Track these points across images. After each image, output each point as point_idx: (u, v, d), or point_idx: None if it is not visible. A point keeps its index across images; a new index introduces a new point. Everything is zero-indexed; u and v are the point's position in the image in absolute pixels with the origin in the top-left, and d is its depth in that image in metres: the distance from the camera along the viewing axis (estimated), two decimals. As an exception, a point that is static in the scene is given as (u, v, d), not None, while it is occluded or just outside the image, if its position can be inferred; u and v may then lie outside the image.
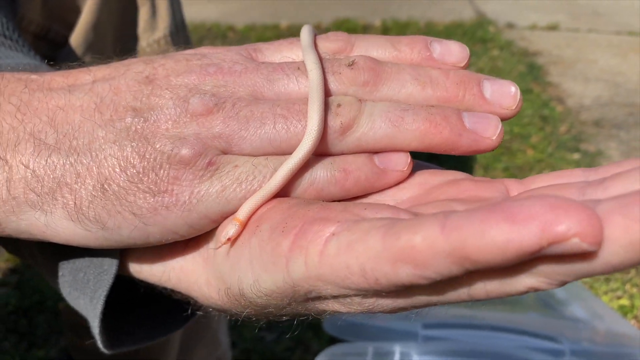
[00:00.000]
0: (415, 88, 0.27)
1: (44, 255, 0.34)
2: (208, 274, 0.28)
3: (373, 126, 0.26)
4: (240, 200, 0.26)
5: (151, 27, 0.60)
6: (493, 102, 0.27)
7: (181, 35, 0.62)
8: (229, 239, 0.25)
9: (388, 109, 0.26)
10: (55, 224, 0.26)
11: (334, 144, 0.26)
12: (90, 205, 0.26)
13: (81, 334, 0.84)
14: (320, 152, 0.27)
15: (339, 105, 0.26)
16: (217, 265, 0.27)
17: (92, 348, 0.87)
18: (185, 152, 0.25)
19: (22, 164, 0.26)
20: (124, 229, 0.26)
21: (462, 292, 0.21)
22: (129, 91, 0.27)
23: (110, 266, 0.30)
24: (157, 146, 0.26)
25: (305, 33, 0.30)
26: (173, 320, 0.37)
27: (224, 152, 0.26)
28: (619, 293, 1.24)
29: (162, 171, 0.25)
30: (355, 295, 0.22)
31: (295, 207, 0.24)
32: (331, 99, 0.27)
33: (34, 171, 0.26)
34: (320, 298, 0.23)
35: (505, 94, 0.27)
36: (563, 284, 0.19)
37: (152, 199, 0.26)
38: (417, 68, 0.28)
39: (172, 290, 0.32)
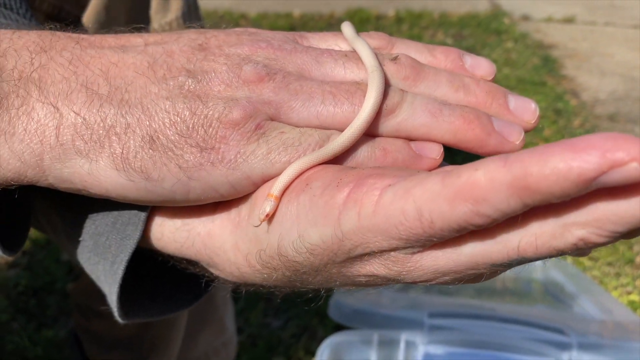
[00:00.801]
0: (449, 90, 0.29)
1: (65, 221, 0.34)
2: (237, 238, 0.28)
3: (413, 114, 0.28)
4: (284, 165, 0.27)
5: (163, 9, 0.60)
6: (516, 114, 0.30)
7: (194, 18, 0.62)
8: (267, 215, 0.25)
9: (427, 101, 0.28)
10: (98, 173, 0.27)
11: (375, 126, 0.28)
12: (137, 155, 0.26)
13: (88, 315, 0.85)
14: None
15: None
16: (252, 226, 0.27)
17: (98, 329, 0.87)
18: (236, 113, 0.26)
19: (73, 111, 0.26)
20: (167, 181, 0.27)
21: (512, 244, 0.21)
22: (183, 55, 0.28)
23: (133, 231, 0.30)
24: (209, 105, 0.27)
25: (349, 26, 0.32)
26: (184, 297, 0.37)
27: (272, 119, 0.27)
28: (629, 288, 1.23)
29: (211, 129, 0.26)
30: (403, 247, 0.22)
31: (347, 169, 0.25)
32: None
33: (84, 119, 0.26)
34: (362, 257, 0.24)
35: (526, 108, 0.30)
36: (612, 237, 0.19)
37: (199, 154, 0.26)
38: (451, 73, 0.30)
39: (189, 262, 0.32)
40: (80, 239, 0.32)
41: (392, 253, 0.23)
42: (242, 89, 0.27)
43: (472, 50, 2.61)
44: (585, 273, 1.22)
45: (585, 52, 2.69)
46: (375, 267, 0.24)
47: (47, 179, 0.27)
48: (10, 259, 1.26)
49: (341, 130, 0.28)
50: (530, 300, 1.02)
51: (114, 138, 0.26)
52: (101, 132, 0.26)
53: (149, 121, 0.26)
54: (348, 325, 0.82)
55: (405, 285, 1.04)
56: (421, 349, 0.79)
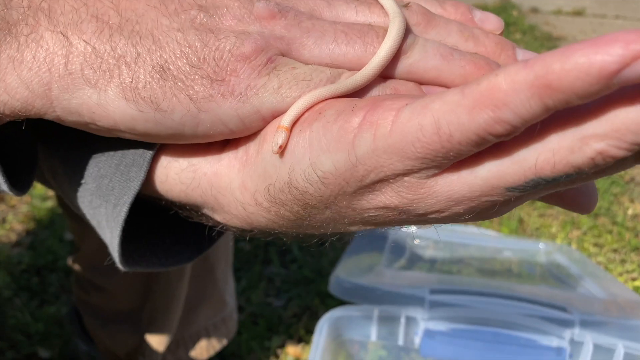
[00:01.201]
0: (459, 39, 0.29)
1: (66, 165, 0.33)
2: (245, 176, 0.28)
3: (425, 56, 0.28)
4: (294, 100, 0.26)
5: None
6: None
7: None
8: (280, 147, 0.25)
9: (439, 45, 0.28)
10: (107, 103, 0.26)
11: (387, 67, 0.28)
12: (147, 85, 0.26)
13: (87, 288, 0.85)
14: None
15: None
16: (261, 162, 0.27)
17: (98, 303, 0.87)
18: (247, 46, 0.26)
19: (83, 40, 0.26)
20: (177, 112, 0.26)
21: (529, 162, 0.20)
22: None
23: (137, 173, 0.30)
24: (221, 37, 0.26)
25: None
26: (184, 251, 0.37)
27: (283, 55, 0.27)
28: (635, 275, 1.22)
29: (222, 61, 0.26)
30: (418, 169, 0.22)
31: (359, 98, 0.25)
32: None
33: (94, 48, 0.26)
34: (374, 184, 0.23)
35: None
36: (631, 149, 0.18)
37: (209, 86, 0.26)
38: (461, 24, 0.30)
39: (192, 208, 0.31)
40: (83, 181, 0.32)
41: (406, 178, 0.23)
42: (254, 25, 0.27)
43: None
44: (590, 259, 1.21)
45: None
46: (387, 197, 0.24)
47: (54, 111, 0.27)
48: (13, 238, 1.26)
49: (351, 70, 0.27)
50: (534, 282, 1.01)
51: (123, 67, 0.26)
52: (111, 61, 0.26)
53: (159, 51, 0.26)
54: (348, 300, 0.81)
55: (408, 264, 1.03)
56: (422, 325, 0.78)
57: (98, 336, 0.86)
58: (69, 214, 0.83)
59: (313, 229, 0.28)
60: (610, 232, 1.35)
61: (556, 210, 1.41)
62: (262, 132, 0.27)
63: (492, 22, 0.31)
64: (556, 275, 1.02)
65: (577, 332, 0.74)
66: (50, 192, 1.43)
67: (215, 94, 0.26)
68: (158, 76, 0.26)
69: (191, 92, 0.26)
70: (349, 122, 0.23)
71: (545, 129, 0.20)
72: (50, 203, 1.37)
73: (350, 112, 0.23)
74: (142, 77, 0.26)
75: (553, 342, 0.76)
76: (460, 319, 0.78)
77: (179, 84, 0.26)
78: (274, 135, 0.26)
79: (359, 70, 0.27)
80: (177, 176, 0.30)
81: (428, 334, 0.78)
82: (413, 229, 1.14)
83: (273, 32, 0.27)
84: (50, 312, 1.04)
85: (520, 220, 1.38)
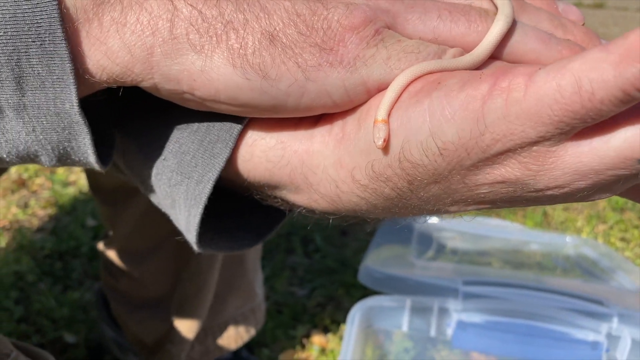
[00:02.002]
0: (549, 26, 0.29)
1: (142, 142, 0.33)
2: (341, 153, 0.27)
3: (524, 38, 0.27)
4: (400, 71, 0.26)
5: None
6: None
7: None
8: (384, 140, 0.25)
9: (537, 29, 0.28)
10: (211, 69, 0.26)
11: None
12: (256, 52, 0.25)
13: (116, 274, 0.84)
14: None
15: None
16: (364, 137, 0.26)
17: (127, 289, 0.86)
18: (356, 16, 0.26)
19: (190, 4, 0.25)
20: (284, 81, 0.26)
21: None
22: None
23: (222, 149, 0.29)
24: (329, 6, 0.26)
25: None
26: (248, 235, 0.36)
27: (388, 28, 0.27)
28: (662, 270, 1.20)
29: (330, 31, 0.26)
30: (551, 136, 0.21)
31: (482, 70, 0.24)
32: (485, 5, 0.29)
33: (200, 12, 0.25)
34: (498, 156, 0.23)
35: None
36: None
37: (318, 54, 0.26)
38: (550, 12, 0.30)
39: (270, 191, 0.31)
40: (162, 158, 0.31)
41: (535, 147, 0.22)
42: None
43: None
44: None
45: (616, 38, 2.63)
46: (508, 169, 0.23)
47: (152, 77, 0.26)
48: (35, 223, 1.26)
49: (453, 47, 0.27)
50: (565, 275, 0.99)
51: (231, 33, 0.25)
52: (218, 25, 0.25)
53: (268, 19, 0.26)
54: (379, 290, 0.80)
55: (437, 255, 1.02)
56: (455, 316, 0.77)
57: (126, 323, 0.86)
58: (101, 199, 0.82)
59: (406, 209, 0.28)
60: (637, 227, 1.33)
61: (581, 204, 1.39)
62: (364, 107, 0.27)
63: (575, 14, 0.32)
64: (586, 269, 1.00)
65: (614, 326, 0.73)
66: (73, 178, 1.43)
67: (324, 62, 0.26)
68: (267, 43, 0.25)
69: (300, 60, 0.26)
70: (477, 90, 0.22)
71: None
72: (72, 189, 1.37)
73: (477, 80, 0.23)
74: (251, 43, 0.25)
75: (589, 336, 0.74)
76: (494, 311, 0.77)
77: (288, 51, 0.26)
78: (372, 130, 0.25)
79: (461, 47, 0.27)
80: (263, 154, 0.29)
81: (461, 325, 0.77)
82: (435, 219, 1.13)
83: (379, 4, 0.27)
84: (74, 297, 1.04)
85: (545, 214, 1.36)
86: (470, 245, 1.07)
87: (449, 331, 0.77)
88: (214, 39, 0.25)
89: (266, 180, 0.30)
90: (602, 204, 1.41)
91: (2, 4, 0.23)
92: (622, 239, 1.30)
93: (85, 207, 1.30)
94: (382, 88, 0.26)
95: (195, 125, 0.30)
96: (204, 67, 0.26)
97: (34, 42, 0.24)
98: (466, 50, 0.27)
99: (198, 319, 0.81)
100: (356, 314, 0.76)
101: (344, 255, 1.18)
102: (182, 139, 0.30)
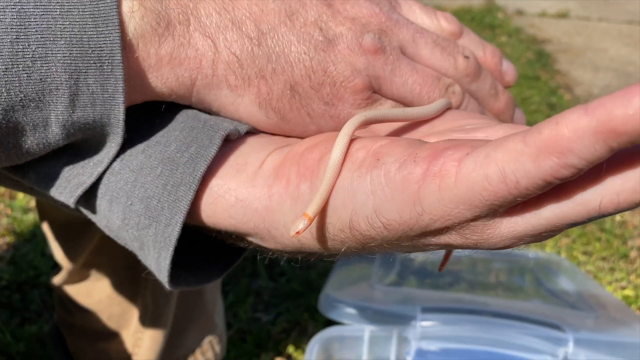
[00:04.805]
0: (488, 93, 0.37)
1: (109, 186, 0.33)
2: (298, 212, 0.29)
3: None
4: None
5: None
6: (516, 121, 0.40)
7: None
8: (298, 232, 0.26)
9: (469, 113, 0.35)
10: (239, 105, 0.31)
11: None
12: (279, 99, 0.31)
13: (70, 309, 0.82)
14: None
15: (453, 93, 0.35)
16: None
17: (82, 323, 0.84)
18: (359, 82, 0.32)
19: (228, 49, 0.30)
20: (294, 121, 0.32)
21: (593, 204, 0.21)
22: (313, 8, 0.32)
23: (186, 192, 0.30)
24: (339, 68, 0.32)
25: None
26: (212, 268, 0.37)
27: (375, 92, 0.33)
28: (624, 283, 1.22)
29: (335, 88, 0.32)
30: (484, 215, 0.23)
31: (417, 143, 0.27)
32: (447, 81, 0.35)
33: (238, 58, 0.30)
34: (441, 229, 0.24)
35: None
36: None
37: (324, 107, 0.32)
38: (494, 80, 0.38)
39: (238, 239, 0.33)
40: (129, 203, 0.32)
41: (472, 223, 0.23)
42: (361, 57, 0.32)
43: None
44: (580, 268, 1.21)
45: (579, 47, 2.68)
46: (451, 238, 0.25)
47: (189, 99, 0.31)
48: (-6, 252, 1.23)
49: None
50: (524, 295, 1.00)
51: (262, 80, 0.31)
52: (251, 72, 0.30)
53: (291, 72, 0.31)
54: (339, 320, 0.80)
55: (399, 279, 1.02)
56: (414, 345, 0.77)
57: (82, 359, 0.84)
58: (53, 233, 0.80)
59: (370, 252, 0.30)
60: (599, 239, 1.35)
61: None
62: (313, 170, 0.28)
63: (511, 75, 0.39)
64: (547, 288, 1.01)
65: (570, 350, 0.74)
66: (33, 204, 1.40)
67: (326, 114, 0.32)
68: (289, 93, 0.31)
69: (309, 109, 0.32)
70: (412, 174, 0.24)
71: (609, 171, 0.21)
72: (32, 215, 1.34)
73: (412, 163, 0.24)
74: (276, 91, 0.31)
75: (547, 361, 0.75)
76: (453, 339, 0.77)
77: (303, 102, 0.31)
78: (294, 221, 0.27)
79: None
80: (225, 212, 0.31)
81: (420, 353, 0.77)
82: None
83: (374, 69, 0.32)
84: (32, 330, 1.02)
85: (509, 228, 1.37)
86: (434, 267, 1.07)
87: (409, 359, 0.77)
88: (247, 82, 0.31)
89: (232, 231, 0.31)
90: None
91: (68, 28, 0.27)
92: (585, 253, 1.31)
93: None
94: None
95: (159, 169, 0.31)
96: (235, 103, 0.31)
97: (94, 63, 0.27)
98: None
99: (157, 353, 0.79)
100: (315, 345, 0.75)
101: (310, 277, 1.17)
102: (147, 184, 0.31)
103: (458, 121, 0.32)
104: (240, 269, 1.19)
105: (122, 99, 0.28)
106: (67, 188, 0.32)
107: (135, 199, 0.32)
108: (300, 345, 1.00)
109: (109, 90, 0.28)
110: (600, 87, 2.22)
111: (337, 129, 0.30)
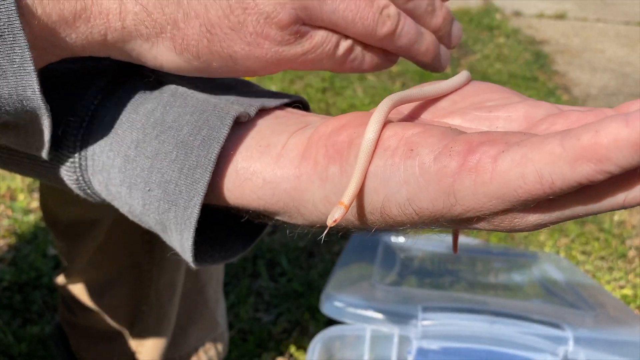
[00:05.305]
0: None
1: (126, 173, 0.34)
2: (328, 192, 0.29)
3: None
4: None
5: None
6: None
7: None
8: (335, 221, 0.27)
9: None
10: (156, 53, 0.31)
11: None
12: (195, 43, 0.30)
13: (74, 309, 0.83)
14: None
15: (388, 16, 0.34)
16: (347, 182, 0.28)
17: (85, 323, 0.85)
18: (284, 16, 0.30)
19: (137, 2, 0.29)
20: (216, 63, 0.31)
21: (617, 200, 0.23)
22: None
23: (202, 174, 0.31)
24: (260, 3, 0.30)
25: None
26: (237, 243, 0.38)
27: (304, 24, 0.31)
28: (622, 283, 1.23)
29: (258, 26, 0.30)
30: (516, 210, 0.24)
31: (452, 133, 0.27)
32: (382, 3, 0.33)
33: (145, 8, 0.29)
34: (470, 219, 0.25)
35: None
36: None
37: (247, 48, 0.31)
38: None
39: (267, 217, 0.33)
40: (148, 189, 0.33)
41: (502, 214, 0.25)
42: None
43: (464, 45, 2.60)
44: (578, 267, 1.21)
45: (577, 48, 2.69)
46: (480, 225, 0.26)
47: (108, 53, 0.31)
48: (-6, 253, 1.23)
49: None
50: (524, 294, 1.01)
51: (174, 26, 0.30)
52: (162, 19, 0.29)
53: (205, 14, 0.29)
54: (340, 320, 0.80)
55: (400, 278, 1.02)
56: (415, 344, 0.77)
57: (84, 358, 0.84)
58: (57, 233, 0.81)
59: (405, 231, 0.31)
60: (597, 239, 1.36)
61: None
62: (342, 154, 0.28)
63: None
64: (546, 287, 1.02)
65: (570, 349, 0.74)
66: (33, 205, 1.40)
67: (251, 55, 0.31)
68: (204, 36, 0.30)
69: (231, 51, 0.30)
70: (447, 167, 0.25)
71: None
72: (33, 217, 1.34)
73: (447, 156, 0.25)
74: (191, 35, 0.30)
75: (547, 359, 0.75)
76: (454, 337, 0.78)
77: (222, 43, 0.30)
78: (332, 210, 0.27)
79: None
80: (254, 193, 0.31)
81: (421, 352, 0.77)
82: (401, 239, 1.13)
83: (300, 1, 0.30)
84: (33, 331, 1.02)
85: (508, 228, 1.38)
86: (435, 266, 1.07)
87: (410, 359, 0.78)
88: (159, 30, 0.30)
89: (261, 211, 0.32)
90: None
91: None
92: (583, 252, 1.32)
93: (47, 235, 1.28)
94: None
95: (174, 154, 0.32)
96: (151, 50, 0.31)
97: None
98: None
99: (159, 352, 0.80)
100: (316, 345, 0.76)
101: (311, 277, 1.18)
102: (163, 169, 0.32)
103: (479, 96, 0.32)
104: (241, 270, 1.19)
105: (32, 67, 0.27)
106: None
107: (153, 185, 0.33)
108: (302, 345, 1.01)
109: (17, 61, 0.27)
110: (598, 88, 2.23)
111: (266, 70, 0.31)
